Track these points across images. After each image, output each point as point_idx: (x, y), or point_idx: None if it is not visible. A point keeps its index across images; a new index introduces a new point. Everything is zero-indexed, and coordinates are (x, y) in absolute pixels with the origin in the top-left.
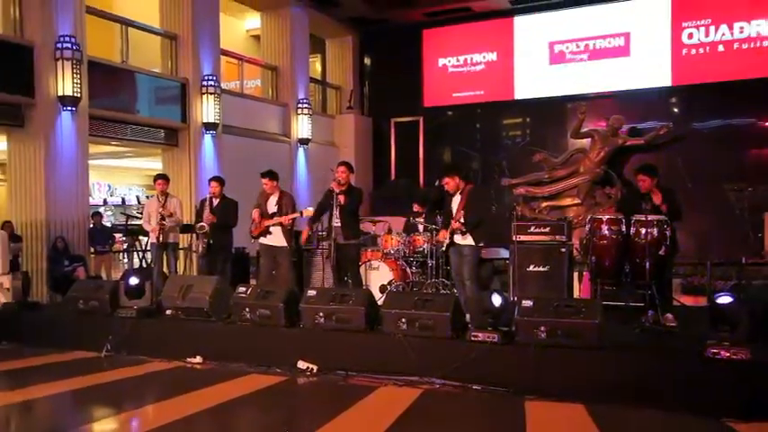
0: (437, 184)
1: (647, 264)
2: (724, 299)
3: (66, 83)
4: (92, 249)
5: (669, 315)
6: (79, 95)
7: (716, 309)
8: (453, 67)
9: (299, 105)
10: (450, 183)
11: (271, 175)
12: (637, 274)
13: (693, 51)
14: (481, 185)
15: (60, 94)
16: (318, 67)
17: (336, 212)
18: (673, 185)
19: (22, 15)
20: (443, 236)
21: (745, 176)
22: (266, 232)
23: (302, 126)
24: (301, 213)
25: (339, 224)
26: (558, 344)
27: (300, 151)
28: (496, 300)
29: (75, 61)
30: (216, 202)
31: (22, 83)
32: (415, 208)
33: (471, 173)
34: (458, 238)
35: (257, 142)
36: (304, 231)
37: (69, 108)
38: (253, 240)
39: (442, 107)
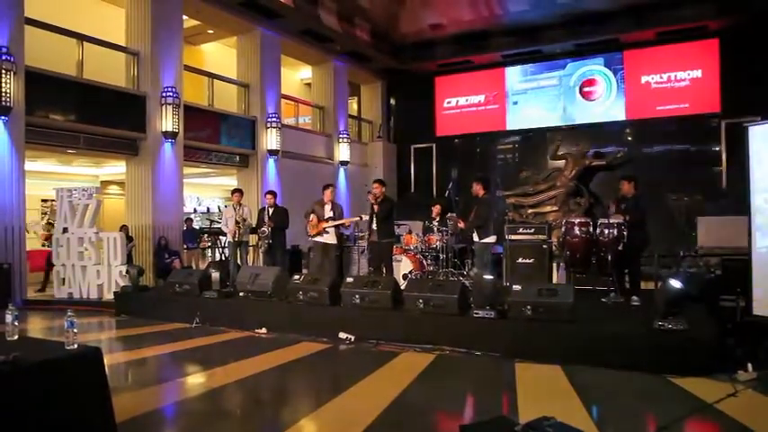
0: (446, 195)
1: (609, 256)
2: (675, 283)
3: (168, 121)
4: (185, 246)
5: (635, 297)
6: (177, 131)
7: (667, 292)
8: (459, 105)
9: (340, 135)
10: (474, 188)
11: (332, 186)
12: (601, 265)
13: (641, 93)
14: (490, 197)
15: (164, 130)
16: (355, 105)
17: (374, 218)
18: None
19: (139, 73)
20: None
21: (682, 189)
22: (323, 232)
23: (342, 151)
24: (361, 218)
25: (376, 227)
26: (540, 319)
27: (341, 171)
28: (489, 278)
29: (174, 105)
30: (271, 210)
31: (138, 122)
32: (434, 213)
33: (492, 185)
34: (474, 237)
35: (308, 164)
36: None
37: (170, 140)
38: (310, 238)
39: (450, 136)
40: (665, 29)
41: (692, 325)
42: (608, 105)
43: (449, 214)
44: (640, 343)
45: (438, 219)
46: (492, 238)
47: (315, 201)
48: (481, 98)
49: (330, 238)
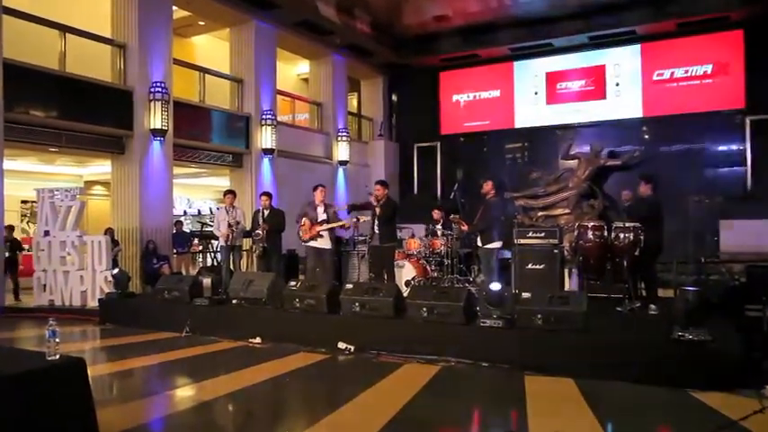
0: (451, 197)
1: (625, 262)
2: (696, 290)
3: (156, 119)
4: (174, 250)
5: (652, 305)
6: (166, 128)
7: (687, 300)
8: (464, 102)
9: (339, 134)
10: (484, 186)
11: (324, 186)
12: (616, 271)
13: (659, 89)
14: (500, 200)
15: (152, 127)
16: (355, 102)
17: (375, 221)
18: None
19: (126, 67)
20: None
21: (702, 190)
22: (317, 236)
23: (342, 150)
24: (358, 219)
25: (378, 230)
26: (551, 328)
27: (340, 171)
28: (495, 287)
29: (163, 102)
30: (266, 212)
31: (124, 119)
32: (435, 216)
33: (502, 187)
34: (478, 241)
35: (305, 164)
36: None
37: (159, 138)
38: (303, 244)
39: (456, 134)
40: (685, 20)
41: (714, 336)
42: (624, 101)
43: (452, 216)
44: (659, 355)
45: (441, 222)
46: (497, 244)
47: (305, 203)
48: (488, 94)
49: (324, 243)
